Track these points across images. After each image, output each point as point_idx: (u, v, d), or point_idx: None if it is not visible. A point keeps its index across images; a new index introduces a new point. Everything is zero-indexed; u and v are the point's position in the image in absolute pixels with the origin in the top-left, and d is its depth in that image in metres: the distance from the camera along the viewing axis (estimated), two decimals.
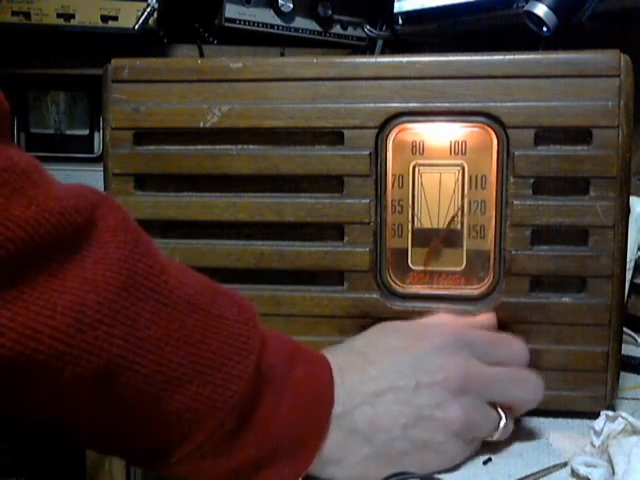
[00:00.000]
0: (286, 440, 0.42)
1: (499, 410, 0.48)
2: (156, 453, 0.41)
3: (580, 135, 0.52)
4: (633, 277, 0.74)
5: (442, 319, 0.53)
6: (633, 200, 0.70)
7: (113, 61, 0.56)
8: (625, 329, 0.67)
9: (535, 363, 0.53)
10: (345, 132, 0.54)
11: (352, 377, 0.46)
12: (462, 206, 0.55)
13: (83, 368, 0.35)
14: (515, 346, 0.50)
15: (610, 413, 0.47)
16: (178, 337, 0.39)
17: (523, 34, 0.71)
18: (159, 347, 0.38)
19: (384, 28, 0.98)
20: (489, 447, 0.49)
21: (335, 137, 0.54)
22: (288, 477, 0.43)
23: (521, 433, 0.52)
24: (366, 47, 1.02)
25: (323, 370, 0.45)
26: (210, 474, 0.42)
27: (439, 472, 0.46)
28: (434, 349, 0.47)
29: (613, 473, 0.43)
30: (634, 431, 0.45)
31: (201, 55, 0.95)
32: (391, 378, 0.46)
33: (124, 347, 0.36)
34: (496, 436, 0.48)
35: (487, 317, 0.53)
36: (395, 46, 0.97)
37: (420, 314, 0.55)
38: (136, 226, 0.41)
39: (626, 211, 0.52)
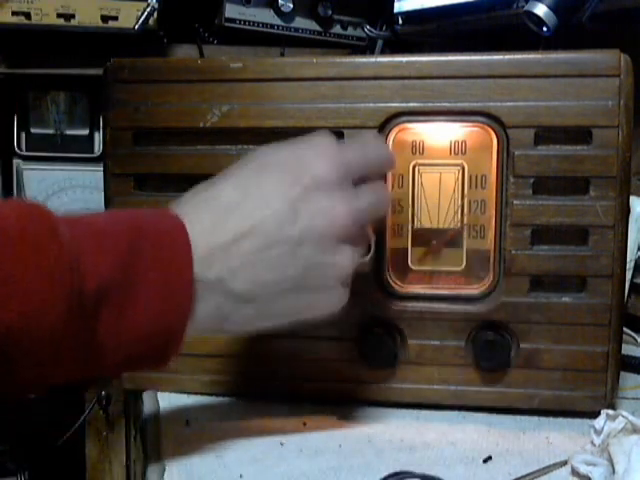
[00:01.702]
0: (148, 340, 0.42)
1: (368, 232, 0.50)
2: None
3: (580, 135, 0.52)
4: (633, 277, 0.74)
5: (316, 142, 0.48)
6: (633, 200, 0.70)
7: (113, 61, 0.56)
8: (625, 329, 0.67)
9: (535, 363, 0.53)
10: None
11: (227, 236, 0.44)
12: (462, 206, 0.55)
13: None
14: (382, 150, 0.51)
15: (610, 412, 0.47)
16: None
17: (523, 34, 0.71)
18: None
19: (384, 28, 0.98)
20: (489, 446, 0.49)
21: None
22: (159, 367, 0.43)
23: (521, 432, 0.52)
24: (366, 47, 1.02)
25: (176, 245, 0.43)
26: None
27: (438, 471, 0.46)
28: (314, 187, 0.45)
29: (613, 472, 0.43)
30: (634, 430, 0.45)
31: (201, 55, 0.95)
32: (271, 232, 0.44)
33: None
34: (368, 258, 0.50)
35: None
36: (395, 46, 0.97)
37: (420, 314, 0.55)
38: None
39: (626, 211, 0.52)
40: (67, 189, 1.01)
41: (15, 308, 0.36)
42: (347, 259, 0.46)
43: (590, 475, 0.44)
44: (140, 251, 0.41)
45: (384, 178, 0.53)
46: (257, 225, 0.44)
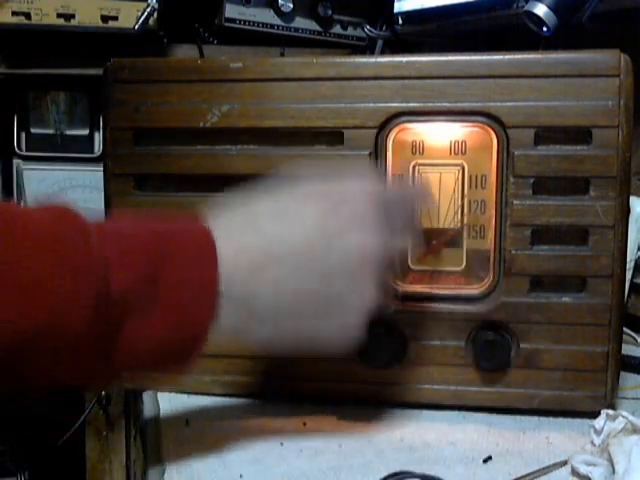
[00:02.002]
0: (162, 352, 0.42)
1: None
2: None
3: (580, 135, 0.52)
4: (633, 277, 0.74)
5: (356, 183, 0.48)
6: (633, 200, 0.70)
7: (113, 61, 0.56)
8: (625, 329, 0.67)
9: (535, 363, 0.53)
10: (345, 132, 0.54)
11: (255, 257, 0.44)
12: (462, 206, 0.55)
13: None
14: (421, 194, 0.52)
15: (610, 412, 0.47)
16: None
17: (523, 34, 0.71)
18: None
19: (384, 28, 0.98)
20: (489, 446, 0.49)
21: (335, 137, 0.54)
22: (180, 371, 0.44)
23: (521, 432, 0.52)
24: (366, 47, 1.02)
25: (205, 261, 0.42)
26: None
27: (438, 471, 0.46)
28: (349, 226, 0.45)
29: (613, 472, 0.43)
30: (634, 430, 0.45)
31: (201, 55, 0.95)
32: (302, 260, 0.44)
33: None
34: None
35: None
36: (395, 46, 0.97)
37: (420, 314, 0.55)
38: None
39: (626, 211, 0.52)
40: (67, 189, 1.01)
41: (43, 306, 0.37)
42: (371, 296, 0.46)
43: (590, 475, 0.44)
44: (167, 261, 0.41)
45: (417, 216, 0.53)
46: (289, 251, 0.44)
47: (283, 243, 0.44)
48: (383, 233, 0.46)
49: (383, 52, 0.98)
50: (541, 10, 0.68)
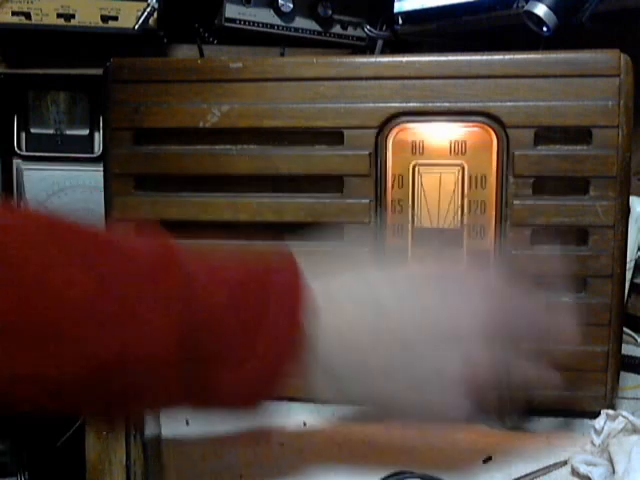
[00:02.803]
0: (236, 392, 0.41)
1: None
2: None
3: (580, 135, 0.52)
4: (633, 277, 0.74)
5: (488, 285, 0.45)
6: (633, 200, 0.70)
7: (113, 61, 0.56)
8: (625, 329, 0.67)
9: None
10: (345, 132, 0.54)
11: (345, 316, 0.43)
12: (462, 206, 0.55)
13: None
14: (564, 330, 0.47)
15: (610, 412, 0.47)
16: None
17: (523, 34, 0.71)
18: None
19: (384, 28, 0.98)
20: (489, 446, 0.49)
21: (335, 137, 0.54)
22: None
23: (521, 432, 0.52)
24: (366, 47, 1.02)
25: (291, 314, 0.42)
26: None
27: (438, 471, 0.46)
28: (471, 336, 0.43)
29: (613, 472, 0.43)
30: (634, 430, 0.45)
31: (201, 55, 0.95)
32: (393, 330, 0.42)
33: None
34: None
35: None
36: (395, 46, 0.97)
37: None
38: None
39: (626, 211, 0.52)
40: (67, 189, 1.01)
41: (132, 328, 0.38)
42: (458, 366, 0.42)
43: (590, 475, 0.44)
44: (259, 303, 0.41)
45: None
46: (382, 319, 0.43)
47: (381, 315, 0.43)
48: (496, 344, 0.43)
49: (383, 52, 0.98)
50: (541, 10, 0.68)
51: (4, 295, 0.35)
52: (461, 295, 0.44)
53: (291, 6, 0.95)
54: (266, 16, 0.96)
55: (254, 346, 0.40)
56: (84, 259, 0.38)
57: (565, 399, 0.54)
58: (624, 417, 0.46)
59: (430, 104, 0.53)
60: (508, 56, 0.52)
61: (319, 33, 1.00)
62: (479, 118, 0.53)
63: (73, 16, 0.87)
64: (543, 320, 0.46)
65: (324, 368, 0.43)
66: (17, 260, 0.36)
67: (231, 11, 0.93)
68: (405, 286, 0.45)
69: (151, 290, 0.39)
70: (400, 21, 0.89)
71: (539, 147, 0.52)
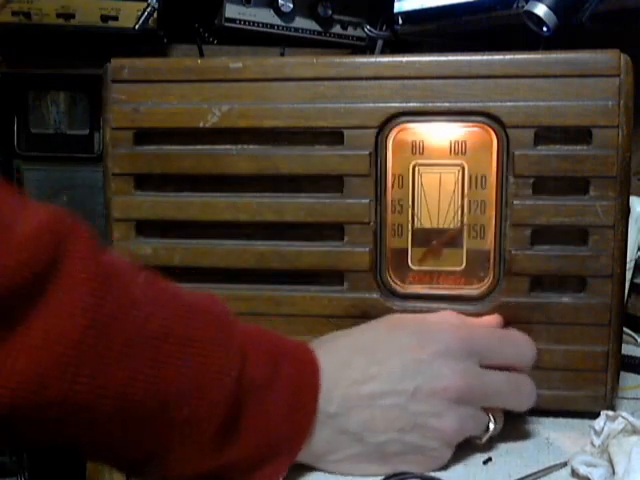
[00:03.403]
0: (268, 446, 0.43)
1: (490, 415, 0.49)
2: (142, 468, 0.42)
3: (580, 135, 0.52)
4: (633, 277, 0.74)
5: (448, 318, 0.52)
6: (633, 200, 0.70)
7: (113, 61, 0.56)
8: (625, 329, 0.67)
9: (535, 363, 0.53)
10: (345, 132, 0.54)
11: (353, 376, 0.46)
12: (462, 206, 0.55)
13: (48, 416, 0.36)
14: (522, 345, 0.50)
15: (610, 413, 0.47)
16: (149, 372, 0.38)
17: (523, 34, 0.71)
18: (127, 385, 0.38)
19: (384, 28, 0.98)
20: (489, 446, 0.49)
21: (335, 137, 0.54)
22: (269, 477, 0.43)
23: (521, 433, 0.52)
24: (366, 47, 1.02)
25: (309, 372, 0.45)
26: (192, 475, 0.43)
27: (438, 471, 0.46)
28: (439, 354, 0.47)
29: (613, 473, 0.43)
30: (634, 431, 0.45)
31: (201, 55, 0.95)
32: (392, 381, 0.46)
33: (88, 390, 0.37)
34: (484, 438, 0.49)
35: (493, 318, 0.53)
36: (395, 46, 0.97)
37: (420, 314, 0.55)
38: (107, 257, 0.40)
39: (626, 211, 0.52)
40: (67, 189, 1.01)
41: (190, 374, 0.40)
42: (454, 425, 0.46)
43: (590, 476, 0.44)
44: (280, 370, 0.44)
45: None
46: (381, 373, 0.46)
47: (376, 364, 0.47)
48: (470, 369, 0.47)
49: (383, 52, 0.98)
50: (541, 10, 0.68)
51: None
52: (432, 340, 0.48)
53: (291, 6, 0.96)
54: (266, 16, 0.96)
55: (264, 420, 0.43)
56: None
57: (565, 399, 0.54)
58: (624, 418, 0.46)
59: (430, 104, 0.53)
60: (508, 56, 0.52)
61: (319, 33, 1.00)
62: (479, 118, 0.53)
63: (73, 16, 0.87)
64: (500, 335, 0.51)
65: (337, 425, 0.45)
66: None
67: (231, 11, 0.93)
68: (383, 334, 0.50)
69: (211, 353, 0.41)
70: (400, 21, 0.89)
71: (539, 147, 0.52)
